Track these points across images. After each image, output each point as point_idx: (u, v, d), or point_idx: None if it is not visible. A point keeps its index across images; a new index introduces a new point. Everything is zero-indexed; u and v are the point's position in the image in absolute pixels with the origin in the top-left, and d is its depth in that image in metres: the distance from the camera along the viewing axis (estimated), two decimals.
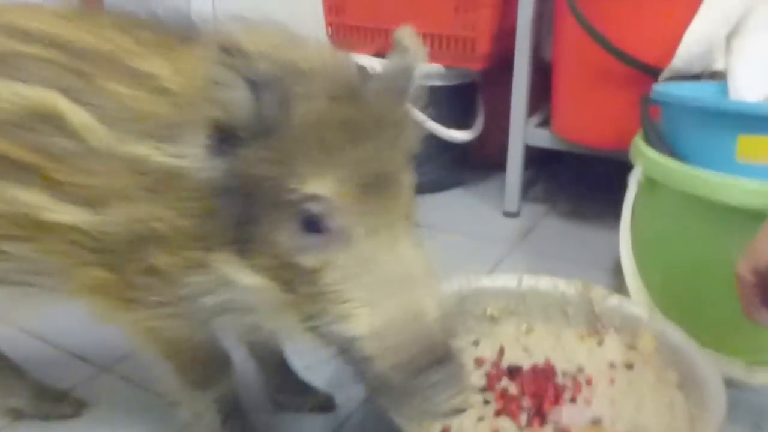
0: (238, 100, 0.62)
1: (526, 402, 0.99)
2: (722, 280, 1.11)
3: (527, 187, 1.83)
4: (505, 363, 1.08)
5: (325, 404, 1.06)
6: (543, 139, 1.68)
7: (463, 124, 1.84)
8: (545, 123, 1.71)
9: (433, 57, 1.75)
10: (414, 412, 0.62)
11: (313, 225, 0.63)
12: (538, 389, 1.00)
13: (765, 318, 0.92)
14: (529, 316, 1.17)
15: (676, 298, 1.17)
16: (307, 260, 0.64)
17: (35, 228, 0.75)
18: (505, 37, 1.70)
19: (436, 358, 0.61)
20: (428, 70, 1.83)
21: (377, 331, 0.61)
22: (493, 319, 1.17)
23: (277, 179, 0.64)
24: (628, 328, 1.10)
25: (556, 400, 0.99)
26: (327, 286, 0.63)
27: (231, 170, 0.65)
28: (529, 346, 1.14)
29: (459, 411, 0.62)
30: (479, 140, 1.87)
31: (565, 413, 0.97)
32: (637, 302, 1.16)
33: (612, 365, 1.08)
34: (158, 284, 0.73)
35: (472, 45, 1.72)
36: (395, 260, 0.64)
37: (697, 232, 1.13)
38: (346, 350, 0.63)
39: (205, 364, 0.86)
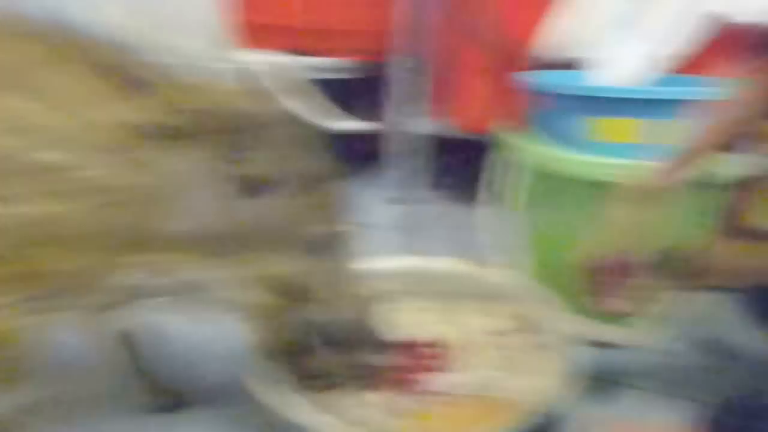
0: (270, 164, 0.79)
1: (407, 373, 1.06)
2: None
3: (412, 174, 1.91)
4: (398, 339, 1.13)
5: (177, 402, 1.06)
6: (425, 127, 1.77)
7: (358, 115, 1.90)
8: (427, 112, 1.80)
9: (326, 52, 1.81)
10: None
11: (313, 251, 0.84)
12: (417, 360, 1.08)
13: (611, 306, 1.03)
14: (423, 294, 1.25)
15: (542, 267, 1.28)
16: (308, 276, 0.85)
17: None
18: (389, 32, 1.78)
19: (369, 333, 0.92)
20: (316, 63, 1.87)
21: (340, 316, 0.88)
22: (391, 298, 1.24)
23: (290, 219, 0.83)
24: (508, 300, 1.18)
25: (432, 368, 1.06)
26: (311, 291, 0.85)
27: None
28: (421, 323, 1.20)
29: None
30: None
31: (439, 380, 1.04)
32: (512, 274, 1.26)
33: (490, 333, 1.15)
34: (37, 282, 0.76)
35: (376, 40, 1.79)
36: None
37: (558, 206, 1.24)
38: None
39: (18, 362, 0.83)
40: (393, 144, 1.80)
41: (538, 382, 1.00)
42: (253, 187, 0.78)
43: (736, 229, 0.96)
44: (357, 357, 0.91)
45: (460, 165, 2.00)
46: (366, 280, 1.19)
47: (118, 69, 0.78)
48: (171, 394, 1.04)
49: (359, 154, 2.02)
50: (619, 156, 1.15)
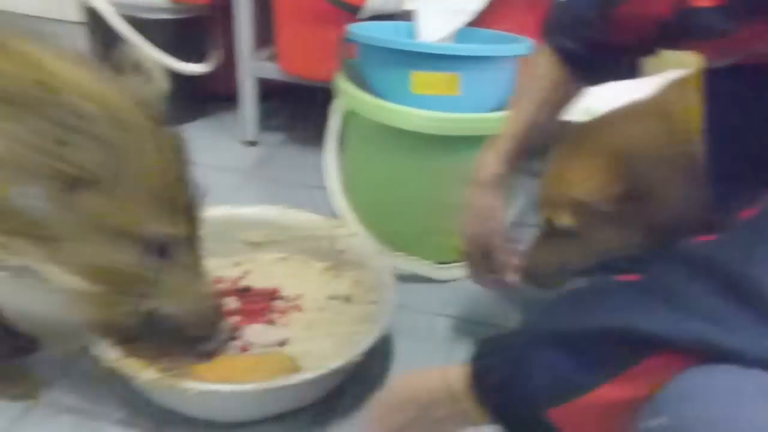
0: (83, 156, 0.73)
1: (238, 318, 1.11)
2: (409, 197, 1.31)
3: (267, 117, 1.92)
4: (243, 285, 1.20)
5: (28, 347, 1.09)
6: (271, 71, 1.77)
7: (197, 57, 1.88)
8: (274, 57, 1.80)
9: None
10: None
11: (153, 252, 0.83)
12: (247, 309, 1.13)
13: (486, 283, 1.14)
14: (287, 246, 1.28)
15: (376, 214, 1.35)
16: (148, 272, 0.84)
17: None
18: None
19: (210, 328, 0.95)
20: (157, 4, 1.84)
21: (187, 314, 0.90)
22: (254, 245, 1.28)
23: (120, 216, 0.79)
24: (360, 265, 1.21)
25: (252, 319, 1.11)
26: (155, 286, 0.85)
27: (61, 208, 0.76)
28: (274, 272, 1.25)
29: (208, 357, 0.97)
30: (216, 73, 1.92)
31: (254, 331, 1.08)
32: (348, 222, 1.33)
33: (333, 297, 1.19)
34: None
35: None
36: (197, 266, 0.90)
37: (387, 155, 1.31)
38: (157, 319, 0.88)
39: None
40: (243, 88, 1.80)
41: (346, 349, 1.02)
42: (77, 178, 0.75)
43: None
44: (190, 348, 0.96)
45: (311, 109, 2.04)
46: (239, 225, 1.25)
47: None
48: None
49: (211, 96, 2.03)
50: (438, 108, 1.22)
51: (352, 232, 1.28)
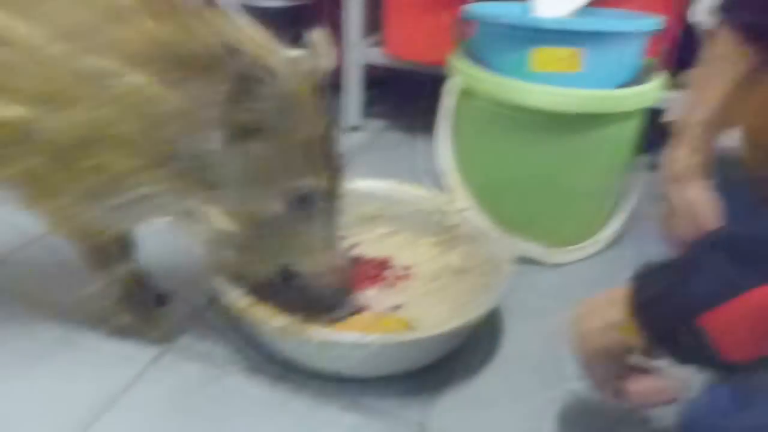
0: (258, 109, 0.80)
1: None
2: (524, 177, 1.30)
3: (370, 103, 1.95)
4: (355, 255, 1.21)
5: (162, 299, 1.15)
6: (378, 57, 1.80)
7: (303, 44, 1.92)
8: (381, 43, 1.83)
9: None
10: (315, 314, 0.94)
11: (297, 203, 0.86)
12: (364, 275, 1.14)
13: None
14: (398, 220, 1.29)
15: (489, 193, 1.33)
16: (290, 224, 0.87)
17: None
18: None
19: (340, 295, 0.95)
20: None
21: (323, 268, 0.92)
22: (365, 219, 1.29)
23: (278, 169, 0.84)
24: (474, 239, 1.20)
25: (369, 284, 1.13)
26: (294, 239, 0.89)
27: (231, 154, 0.82)
28: (385, 244, 1.26)
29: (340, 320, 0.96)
30: None
31: (369, 295, 1.10)
32: (461, 200, 1.32)
33: (445, 268, 1.19)
34: (100, 180, 0.84)
35: None
36: (333, 229, 0.91)
37: (503, 133, 1.29)
38: (291, 275, 0.92)
39: (107, 248, 0.97)
40: (349, 74, 1.82)
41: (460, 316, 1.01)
42: (246, 131, 0.82)
43: None
44: (319, 312, 0.96)
45: (418, 94, 2.05)
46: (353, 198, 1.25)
47: None
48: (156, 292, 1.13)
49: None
50: (560, 85, 1.20)
51: (464, 207, 1.27)
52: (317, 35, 0.91)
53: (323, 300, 0.94)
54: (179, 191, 0.86)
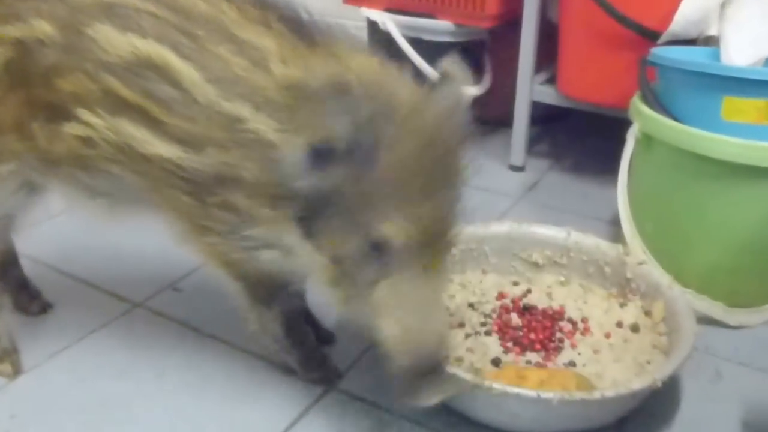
0: (342, 134, 0.76)
1: (520, 333, 1.11)
2: (706, 228, 1.23)
3: (532, 142, 1.92)
4: (526, 303, 1.19)
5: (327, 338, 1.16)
6: (548, 96, 1.77)
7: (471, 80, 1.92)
8: (550, 81, 1.80)
9: (444, 14, 1.84)
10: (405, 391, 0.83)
11: (377, 249, 0.79)
12: (536, 326, 1.12)
13: None
14: (569, 269, 1.25)
15: (666, 245, 1.28)
16: (365, 271, 0.81)
17: (137, 156, 0.88)
18: None
19: (430, 366, 0.81)
20: (438, 27, 1.92)
21: (399, 339, 0.81)
22: (536, 266, 1.27)
23: (359, 206, 0.79)
24: (650, 294, 1.16)
25: (541, 336, 1.10)
26: (374, 293, 0.81)
27: (317, 184, 0.80)
28: (555, 294, 1.22)
29: (431, 402, 0.82)
30: (486, 97, 1.95)
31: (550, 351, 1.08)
32: (637, 252, 1.25)
33: (619, 324, 1.15)
34: (230, 217, 0.87)
35: (482, 3, 1.80)
36: (427, 293, 0.81)
37: (686, 184, 1.23)
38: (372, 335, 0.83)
39: (269, 284, 0.96)
40: (518, 111, 1.81)
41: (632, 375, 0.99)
42: (333, 149, 0.78)
43: None
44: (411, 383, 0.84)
45: (585, 137, 2.00)
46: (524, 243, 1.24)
47: (296, 27, 0.86)
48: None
49: (482, 121, 2.05)
50: (747, 137, 1.14)
51: (641, 260, 1.22)
52: (450, 65, 0.86)
53: (410, 368, 0.81)
54: (278, 227, 0.85)
